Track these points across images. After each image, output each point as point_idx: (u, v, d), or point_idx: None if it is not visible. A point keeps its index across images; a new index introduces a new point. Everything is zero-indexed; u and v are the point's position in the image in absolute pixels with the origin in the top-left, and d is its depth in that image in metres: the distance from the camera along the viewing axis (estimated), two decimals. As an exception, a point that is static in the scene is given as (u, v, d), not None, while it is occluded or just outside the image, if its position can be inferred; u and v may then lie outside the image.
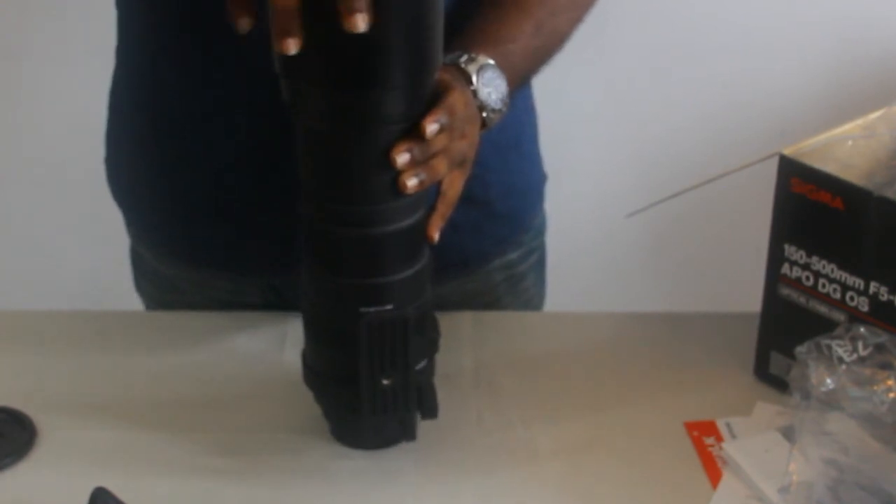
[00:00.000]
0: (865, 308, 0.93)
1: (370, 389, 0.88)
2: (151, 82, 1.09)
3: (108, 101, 1.16)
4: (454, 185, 0.92)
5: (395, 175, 0.84)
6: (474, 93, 0.94)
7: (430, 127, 0.84)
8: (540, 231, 1.24)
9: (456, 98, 0.88)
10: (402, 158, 0.83)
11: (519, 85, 1.01)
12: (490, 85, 0.95)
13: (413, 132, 0.84)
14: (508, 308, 1.21)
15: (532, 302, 1.26)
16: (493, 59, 0.96)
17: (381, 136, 0.83)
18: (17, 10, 1.84)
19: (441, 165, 0.87)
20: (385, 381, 0.88)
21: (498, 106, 0.96)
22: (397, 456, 0.94)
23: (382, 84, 0.82)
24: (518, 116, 1.15)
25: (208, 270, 1.15)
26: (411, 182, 0.84)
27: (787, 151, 0.96)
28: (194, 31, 1.03)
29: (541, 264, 1.26)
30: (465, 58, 0.95)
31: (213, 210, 1.09)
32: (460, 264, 1.15)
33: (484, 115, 0.95)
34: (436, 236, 0.90)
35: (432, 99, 0.86)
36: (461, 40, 0.97)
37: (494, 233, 1.17)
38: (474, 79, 0.94)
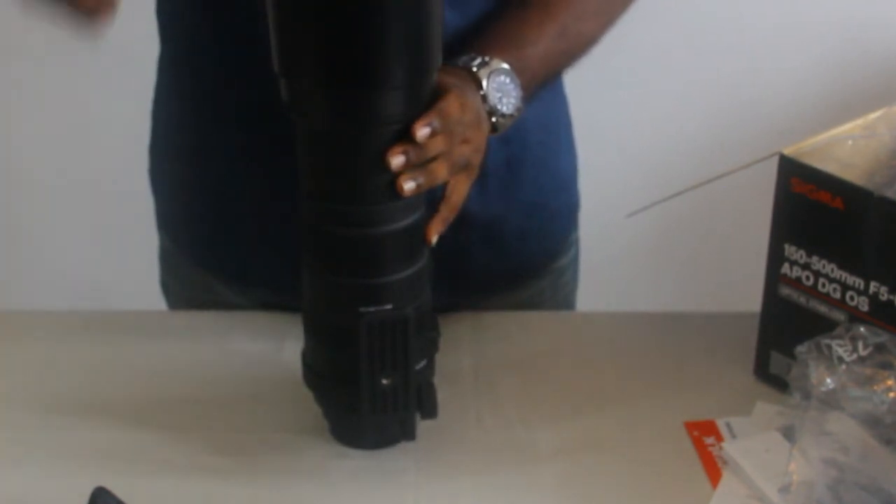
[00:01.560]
0: (865, 308, 0.93)
1: (369, 389, 0.88)
2: (201, 101, 1.07)
3: (152, 113, 1.15)
4: (458, 190, 0.92)
5: (394, 176, 0.84)
6: (484, 97, 0.93)
7: (422, 131, 0.84)
8: (577, 223, 1.23)
9: (450, 101, 0.87)
10: (396, 161, 0.83)
11: (538, 88, 1.00)
12: (501, 90, 0.94)
13: (408, 135, 0.84)
14: (549, 302, 1.20)
15: (569, 298, 1.25)
16: (509, 62, 0.95)
17: (380, 137, 0.83)
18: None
19: (441, 170, 0.87)
20: (384, 381, 0.88)
21: (509, 111, 0.95)
22: (397, 456, 0.94)
23: (381, 84, 0.82)
24: (558, 111, 1.15)
25: (251, 285, 1.13)
26: (408, 185, 0.84)
27: (787, 151, 0.96)
28: (239, 57, 1.01)
29: (577, 258, 1.25)
30: (477, 61, 0.94)
31: (265, 231, 1.07)
32: (531, 271, 1.16)
33: (494, 119, 0.94)
34: (433, 239, 0.90)
35: (431, 101, 0.86)
36: (480, 42, 0.97)
37: (555, 232, 1.17)
38: (484, 83, 0.93)
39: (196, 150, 1.10)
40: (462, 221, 0.93)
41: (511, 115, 0.95)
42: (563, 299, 1.23)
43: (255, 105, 1.02)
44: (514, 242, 1.11)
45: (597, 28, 1.04)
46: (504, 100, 0.94)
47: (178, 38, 1.08)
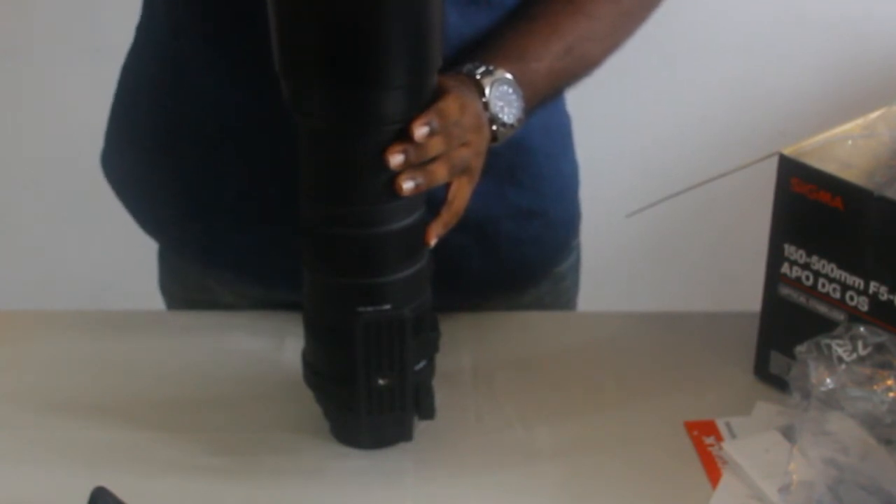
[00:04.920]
0: (865, 308, 0.93)
1: (366, 389, 0.88)
2: (178, 84, 1.06)
3: (116, 96, 1.13)
4: (460, 194, 0.91)
5: (393, 176, 0.84)
6: (486, 105, 0.93)
7: (420, 130, 0.84)
8: (578, 230, 1.23)
9: (448, 102, 0.87)
10: (395, 160, 0.83)
11: (539, 104, 1.00)
12: (503, 99, 0.94)
13: (408, 134, 0.84)
14: (549, 308, 1.20)
15: (570, 303, 1.25)
16: (513, 74, 0.95)
17: (379, 137, 0.84)
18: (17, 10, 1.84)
19: (440, 171, 0.87)
20: (381, 381, 0.88)
21: (510, 121, 0.95)
22: (396, 456, 0.94)
23: (382, 84, 0.82)
24: (561, 121, 1.15)
25: (238, 279, 1.12)
26: (407, 185, 0.84)
27: (787, 151, 0.96)
28: (223, 41, 1.01)
29: (577, 263, 1.25)
30: (482, 69, 0.94)
31: (243, 220, 1.07)
32: (528, 278, 1.16)
33: (494, 128, 0.94)
34: (432, 242, 0.90)
35: (431, 102, 0.86)
36: (485, 52, 0.96)
37: (553, 240, 1.17)
38: (487, 91, 0.93)
39: (174, 135, 1.07)
40: (458, 223, 0.93)
41: (511, 126, 0.95)
42: (563, 305, 1.23)
43: (232, 91, 1.02)
44: (511, 248, 1.11)
45: (602, 51, 1.04)
46: (506, 109, 0.94)
47: (162, 36, 1.07)
